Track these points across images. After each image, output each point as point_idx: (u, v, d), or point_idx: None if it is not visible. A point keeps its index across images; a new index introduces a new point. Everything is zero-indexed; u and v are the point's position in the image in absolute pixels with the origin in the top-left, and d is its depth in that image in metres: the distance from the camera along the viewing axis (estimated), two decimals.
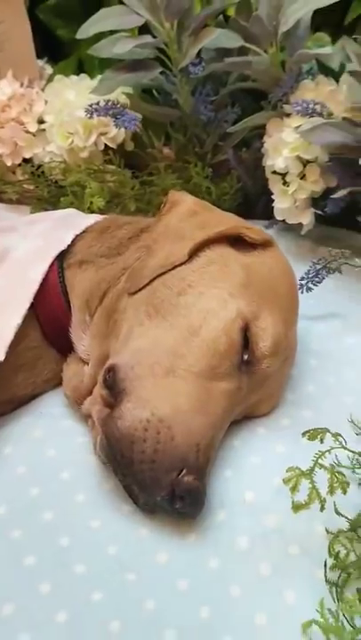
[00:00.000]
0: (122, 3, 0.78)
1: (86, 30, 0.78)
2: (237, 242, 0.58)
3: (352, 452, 0.48)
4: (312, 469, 0.44)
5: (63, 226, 0.67)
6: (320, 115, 0.75)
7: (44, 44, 1.03)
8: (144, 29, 0.81)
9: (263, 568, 0.46)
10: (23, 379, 0.61)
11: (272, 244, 0.59)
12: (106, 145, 0.91)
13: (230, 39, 0.79)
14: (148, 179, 0.90)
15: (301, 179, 0.81)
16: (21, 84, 0.95)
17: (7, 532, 0.48)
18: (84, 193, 0.86)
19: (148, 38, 0.77)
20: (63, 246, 0.63)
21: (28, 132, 0.93)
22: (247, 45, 0.80)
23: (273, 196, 0.85)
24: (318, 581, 0.45)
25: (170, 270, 0.56)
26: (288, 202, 0.83)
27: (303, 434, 0.48)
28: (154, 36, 0.78)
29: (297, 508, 0.44)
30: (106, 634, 0.43)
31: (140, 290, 0.57)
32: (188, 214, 0.60)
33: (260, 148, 0.88)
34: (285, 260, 0.60)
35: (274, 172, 0.83)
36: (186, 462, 0.47)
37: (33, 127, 0.93)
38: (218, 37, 0.78)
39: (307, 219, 0.83)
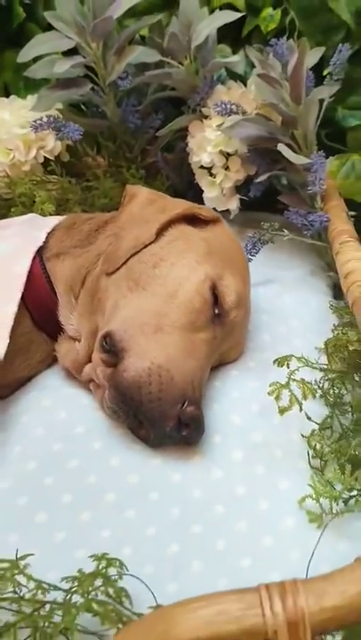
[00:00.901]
0: (50, 28, 0.88)
1: (26, 54, 0.87)
2: (193, 220, 0.70)
3: (315, 367, 0.60)
4: (288, 382, 0.56)
5: (34, 227, 0.76)
6: (236, 113, 0.88)
7: None
8: (71, 51, 0.91)
9: (258, 470, 0.57)
10: (19, 362, 0.69)
11: (220, 220, 0.72)
12: (45, 157, 0.99)
13: (150, 55, 0.91)
14: (88, 184, 1.00)
15: (225, 170, 0.94)
16: None
17: (41, 481, 0.56)
18: (33, 202, 0.94)
19: (79, 58, 0.87)
20: (40, 243, 0.72)
21: None
22: (164, 59, 0.92)
23: (201, 189, 0.98)
24: (302, 471, 0.57)
25: (142, 249, 0.67)
26: (216, 191, 0.95)
27: (274, 361, 0.60)
28: (83, 57, 0.88)
29: (282, 411, 0.56)
30: (144, 539, 0.52)
31: (117, 270, 0.67)
32: (147, 202, 0.71)
33: (183, 149, 1.00)
34: (231, 233, 0.73)
35: (201, 167, 0.96)
36: (186, 396, 0.57)
37: None
38: (139, 54, 0.89)
39: (233, 204, 0.97)
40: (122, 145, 1.03)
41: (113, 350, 0.61)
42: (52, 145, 0.99)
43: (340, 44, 0.87)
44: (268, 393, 0.57)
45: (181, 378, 0.58)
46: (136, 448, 0.60)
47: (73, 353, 0.67)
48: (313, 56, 0.89)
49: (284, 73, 0.85)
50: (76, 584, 0.43)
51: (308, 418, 0.58)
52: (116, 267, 0.67)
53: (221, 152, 0.93)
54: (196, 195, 1.00)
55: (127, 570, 0.46)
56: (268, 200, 0.97)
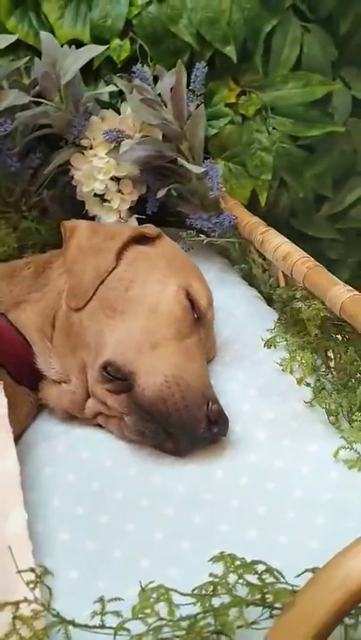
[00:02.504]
0: None
1: None
2: (140, 240, 0.73)
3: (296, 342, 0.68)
4: (293, 356, 0.63)
5: None
6: (122, 139, 0.92)
7: None
8: None
9: (284, 443, 0.63)
10: (10, 420, 0.66)
11: (162, 234, 0.76)
12: None
13: (21, 97, 0.91)
14: None
15: (119, 193, 0.98)
16: None
17: (97, 521, 0.56)
18: None
19: None
20: None
21: None
22: (34, 99, 0.93)
23: (91, 218, 1.01)
24: (320, 431, 0.63)
25: (106, 277, 0.68)
26: (114, 216, 0.99)
27: (265, 344, 0.66)
28: None
29: (299, 381, 0.62)
30: (219, 535, 0.55)
31: (87, 303, 0.67)
32: (92, 233, 0.73)
33: (65, 183, 1.02)
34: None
35: (95, 196, 0.98)
36: (206, 396, 0.61)
37: None
38: (13, 98, 0.89)
39: (133, 225, 1.01)
40: (1, 190, 1.01)
41: (118, 377, 0.62)
42: None
43: (198, 63, 0.96)
44: (282, 365, 0.63)
45: (196, 381, 0.61)
46: (167, 460, 0.61)
47: (68, 394, 0.67)
48: (170, 78, 0.97)
49: (159, 96, 0.92)
50: (209, 590, 0.44)
51: (308, 384, 0.65)
52: (85, 300, 0.67)
53: (112, 178, 0.97)
54: None
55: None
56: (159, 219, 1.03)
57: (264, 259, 0.90)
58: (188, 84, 0.97)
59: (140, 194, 0.99)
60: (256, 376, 0.70)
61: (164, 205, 1.00)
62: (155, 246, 0.73)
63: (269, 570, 0.43)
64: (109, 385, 0.63)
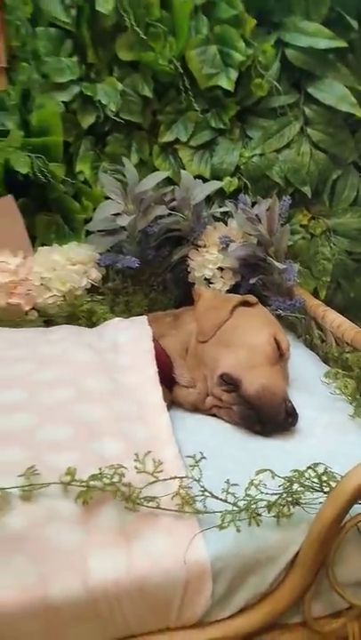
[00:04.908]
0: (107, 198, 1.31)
1: (96, 221, 1.28)
2: (244, 304, 1.13)
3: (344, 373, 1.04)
4: (342, 384, 0.99)
5: (132, 323, 1.13)
6: (229, 243, 1.35)
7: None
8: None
9: (333, 434, 0.97)
10: None
11: (258, 302, 1.15)
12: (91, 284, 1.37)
13: (162, 210, 1.36)
14: (124, 298, 1.39)
15: (222, 279, 1.40)
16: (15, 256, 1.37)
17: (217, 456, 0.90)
18: (93, 313, 1.31)
19: (125, 217, 1.30)
20: (151, 333, 1.08)
21: (34, 285, 1.34)
22: (172, 212, 1.38)
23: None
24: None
25: (222, 325, 1.07)
26: None
27: (325, 374, 1.03)
28: (126, 214, 1.31)
29: (349, 399, 0.98)
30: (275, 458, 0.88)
31: (209, 339, 1.06)
32: (214, 297, 1.14)
33: (182, 269, 1.45)
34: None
35: (204, 279, 1.40)
36: (285, 398, 0.97)
37: (36, 282, 1.35)
38: (159, 210, 1.35)
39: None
40: (138, 271, 1.44)
41: (230, 383, 0.99)
42: (95, 275, 1.37)
43: (284, 197, 1.40)
44: (332, 392, 1.00)
45: (279, 389, 0.98)
46: (259, 437, 0.96)
47: (194, 394, 1.04)
48: (264, 205, 1.41)
49: (256, 216, 1.36)
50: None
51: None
52: (208, 337, 1.06)
53: (218, 268, 1.39)
54: (192, 301, 1.43)
55: None
56: None
57: (322, 331, 1.27)
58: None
59: (236, 280, 1.41)
60: (314, 398, 1.05)
61: (252, 290, 1.40)
62: (254, 309, 1.13)
63: (326, 471, 0.77)
64: (224, 387, 1.00)
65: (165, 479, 0.78)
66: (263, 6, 1.38)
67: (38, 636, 0.70)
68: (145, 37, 1.34)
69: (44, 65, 1.35)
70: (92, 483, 0.76)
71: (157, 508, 0.76)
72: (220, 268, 1.39)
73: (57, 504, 0.74)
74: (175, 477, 0.78)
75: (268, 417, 0.95)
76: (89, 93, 1.39)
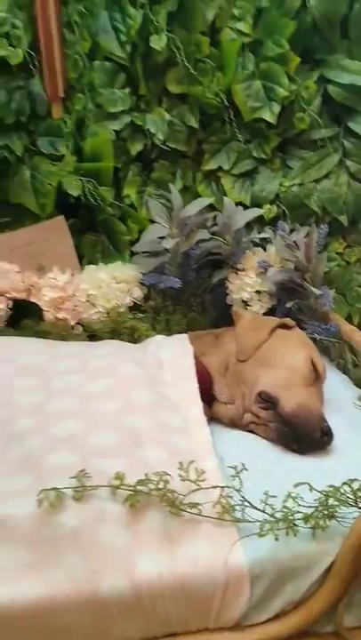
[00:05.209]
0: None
1: (143, 243, 1.36)
2: (282, 326, 1.18)
3: None
4: None
5: (174, 342, 1.19)
6: (268, 267, 1.41)
7: None
8: None
9: None
10: None
11: (295, 325, 1.20)
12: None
13: (204, 234, 1.43)
14: (165, 317, 1.45)
15: (259, 301, 1.45)
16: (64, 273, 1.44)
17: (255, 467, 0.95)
18: (135, 330, 1.37)
19: (170, 240, 1.37)
20: (192, 351, 1.14)
21: (80, 301, 1.41)
22: (214, 237, 1.44)
23: (232, 317, 1.47)
24: None
25: (261, 345, 1.13)
26: None
27: (358, 398, 1.07)
28: (170, 237, 1.38)
29: None
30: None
31: (248, 358, 1.12)
32: (253, 319, 1.19)
33: (221, 291, 1.51)
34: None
35: (242, 302, 1.46)
36: (321, 417, 1.01)
37: (83, 298, 1.42)
38: (203, 235, 1.41)
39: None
40: (178, 292, 1.51)
41: (268, 400, 1.04)
42: (137, 293, 1.44)
43: (321, 225, 1.46)
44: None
45: (315, 409, 1.02)
46: (294, 455, 1.01)
47: (233, 410, 1.09)
48: (302, 232, 1.47)
49: (294, 243, 1.41)
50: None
51: None
52: (248, 357, 1.12)
53: (256, 291, 1.44)
54: (229, 322, 1.48)
55: None
56: None
57: (355, 356, 1.32)
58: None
59: (273, 304, 1.46)
60: (347, 419, 1.09)
61: (288, 313, 1.45)
62: (292, 331, 1.18)
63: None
64: (262, 404, 1.05)
65: (207, 488, 0.83)
66: (308, 45, 1.45)
67: (87, 627, 0.76)
68: (194, 72, 1.42)
69: (98, 96, 1.44)
70: (139, 487, 0.81)
71: (199, 515, 0.81)
72: (258, 292, 1.45)
73: (106, 506, 0.80)
74: (217, 486, 0.83)
75: (304, 435, 1.00)
76: (139, 123, 1.47)
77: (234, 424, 1.09)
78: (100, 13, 1.40)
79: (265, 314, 1.45)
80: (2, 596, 0.73)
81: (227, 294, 1.49)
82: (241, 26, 1.43)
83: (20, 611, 0.73)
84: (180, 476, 0.83)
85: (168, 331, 1.43)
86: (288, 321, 1.21)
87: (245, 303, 1.46)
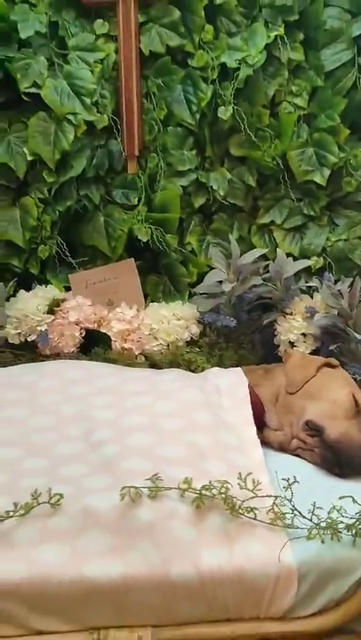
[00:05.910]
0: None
1: (206, 285, 1.53)
2: (327, 365, 1.33)
3: None
4: None
5: (230, 373, 1.34)
6: (315, 312, 1.56)
7: None
8: None
9: None
10: None
11: (338, 364, 1.35)
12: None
13: (257, 280, 1.60)
14: (218, 352, 1.61)
15: (304, 343, 1.60)
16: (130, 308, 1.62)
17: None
18: (192, 362, 1.53)
19: (228, 284, 1.54)
20: (247, 381, 1.29)
21: (144, 334, 1.58)
22: (265, 284, 1.61)
23: (279, 357, 1.62)
24: None
25: (308, 380, 1.27)
26: None
27: None
28: (228, 282, 1.55)
29: None
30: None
31: (297, 391, 1.26)
32: (301, 357, 1.34)
33: (269, 332, 1.66)
34: None
35: (289, 342, 1.61)
36: None
37: (146, 332, 1.59)
38: (255, 281, 1.58)
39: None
40: (229, 330, 1.66)
41: (314, 429, 1.18)
42: (195, 330, 1.61)
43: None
44: None
45: (356, 438, 1.15)
46: (337, 479, 1.14)
47: (281, 436, 1.23)
48: (346, 282, 1.62)
49: (338, 291, 1.57)
50: None
51: None
52: (296, 390, 1.26)
53: (302, 333, 1.59)
54: (275, 360, 1.63)
55: None
56: None
57: None
58: None
59: (317, 346, 1.61)
60: None
61: (330, 355, 1.59)
62: (336, 370, 1.33)
63: None
64: (308, 432, 1.18)
65: (262, 496, 0.96)
66: (357, 119, 1.64)
67: (157, 606, 0.89)
68: (255, 139, 1.61)
69: (169, 156, 1.65)
70: (204, 492, 0.95)
71: (255, 519, 0.94)
72: (304, 334, 1.60)
73: (176, 505, 0.94)
74: (271, 495, 0.97)
75: (347, 460, 1.13)
76: (203, 180, 1.67)
77: (282, 448, 1.23)
78: (175, 87, 1.62)
79: (309, 354, 1.59)
80: (90, 571, 0.87)
81: (275, 335, 1.64)
82: (298, 100, 1.63)
83: (103, 585, 0.87)
84: (238, 484, 0.97)
85: (221, 364, 1.58)
86: (333, 361, 1.35)
87: (292, 344, 1.61)
